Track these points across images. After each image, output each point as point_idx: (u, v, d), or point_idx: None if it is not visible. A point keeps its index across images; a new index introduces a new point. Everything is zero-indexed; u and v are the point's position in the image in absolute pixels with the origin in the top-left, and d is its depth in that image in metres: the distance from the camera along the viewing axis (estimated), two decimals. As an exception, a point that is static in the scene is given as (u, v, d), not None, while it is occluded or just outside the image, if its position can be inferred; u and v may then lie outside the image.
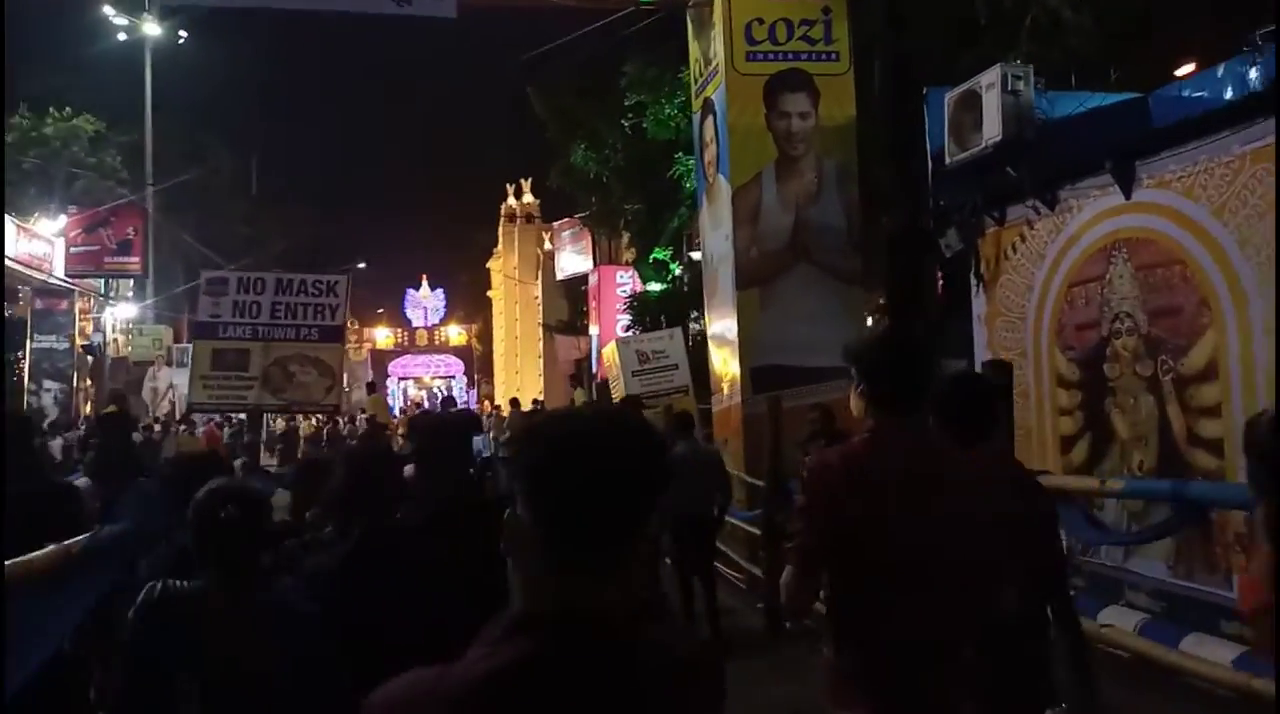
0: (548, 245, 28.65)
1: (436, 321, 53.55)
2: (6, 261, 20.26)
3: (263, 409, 7.42)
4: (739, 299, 8.76)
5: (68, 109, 30.92)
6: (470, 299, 52.69)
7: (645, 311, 17.59)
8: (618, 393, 13.10)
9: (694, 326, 15.16)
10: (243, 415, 13.03)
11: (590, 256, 24.43)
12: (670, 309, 17.18)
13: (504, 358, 38.18)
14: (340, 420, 17.72)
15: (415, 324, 54.53)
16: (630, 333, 13.38)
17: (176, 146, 36.49)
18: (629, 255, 22.98)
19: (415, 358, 53.21)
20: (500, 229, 36.98)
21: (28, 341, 21.95)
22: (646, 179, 18.64)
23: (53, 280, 22.52)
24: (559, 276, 25.43)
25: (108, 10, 29.90)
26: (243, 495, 2.41)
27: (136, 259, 20.30)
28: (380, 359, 55.15)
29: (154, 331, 26.74)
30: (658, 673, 1.12)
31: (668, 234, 18.42)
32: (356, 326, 55.36)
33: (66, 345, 23.33)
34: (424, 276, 52.92)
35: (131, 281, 23.16)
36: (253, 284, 7.31)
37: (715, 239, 9.37)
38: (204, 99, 38.57)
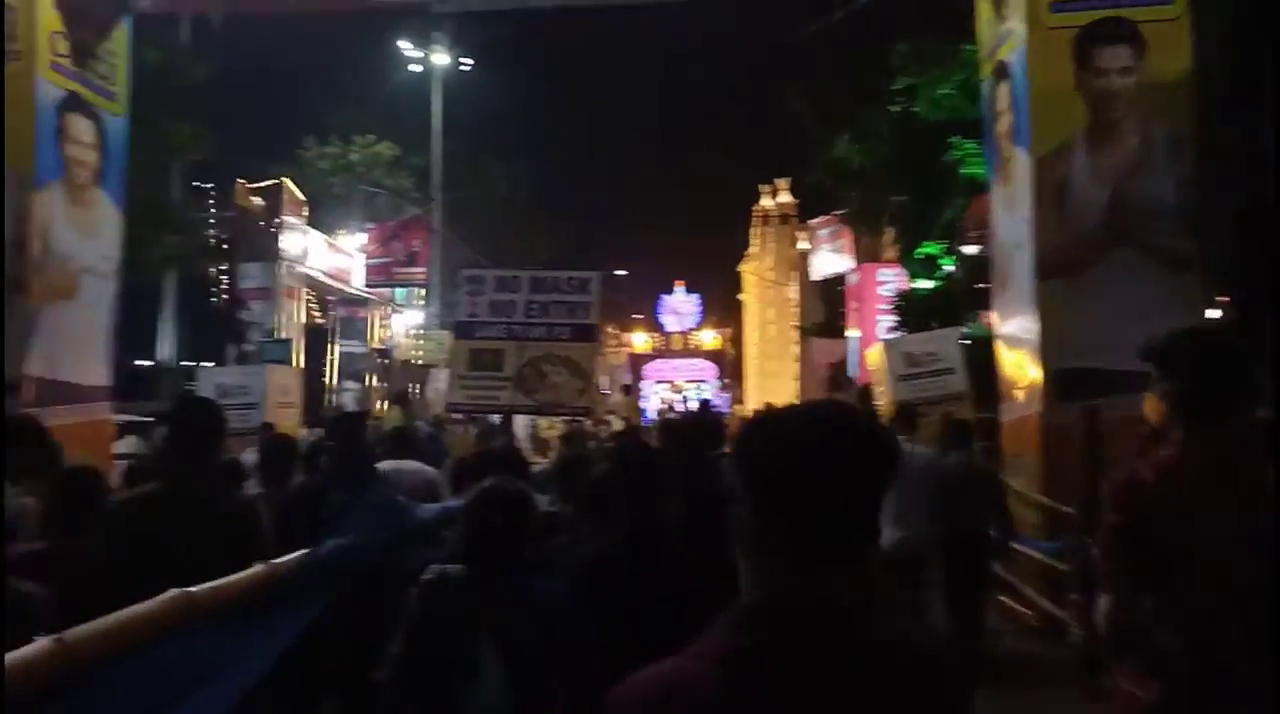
0: (803, 245, 27.64)
1: (691, 326, 54.22)
2: (319, 274, 22.49)
3: (515, 410, 7.07)
4: (1040, 291, 7.47)
5: (370, 137, 34.53)
6: (723, 303, 52.79)
7: (912, 311, 16.22)
8: (884, 399, 12.01)
9: (966, 327, 13.71)
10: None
11: (850, 255, 23.19)
12: (941, 308, 15.70)
13: (756, 362, 37.59)
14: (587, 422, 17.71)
15: (669, 328, 55.55)
16: (897, 334, 12.22)
17: (459, 165, 39.71)
18: (891, 253, 21.58)
19: (669, 362, 54.13)
20: (753, 230, 36.43)
21: (334, 347, 24.37)
22: (915, 169, 17.24)
23: (351, 290, 24.83)
24: (814, 277, 24.37)
25: (402, 44, 32.87)
26: (509, 496, 2.61)
27: (422, 270, 21.88)
28: (638, 363, 56.77)
29: (439, 336, 29.09)
30: (895, 669, 1.09)
31: (938, 227, 16.91)
32: (616, 331, 57.51)
33: (364, 350, 25.72)
34: (679, 282, 53.61)
35: (423, 291, 25.06)
36: (509, 283, 7.20)
37: (1010, 223, 8.08)
38: (484, 120, 41.47)
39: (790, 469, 1.11)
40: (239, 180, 22.07)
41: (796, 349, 29.72)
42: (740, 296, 41.44)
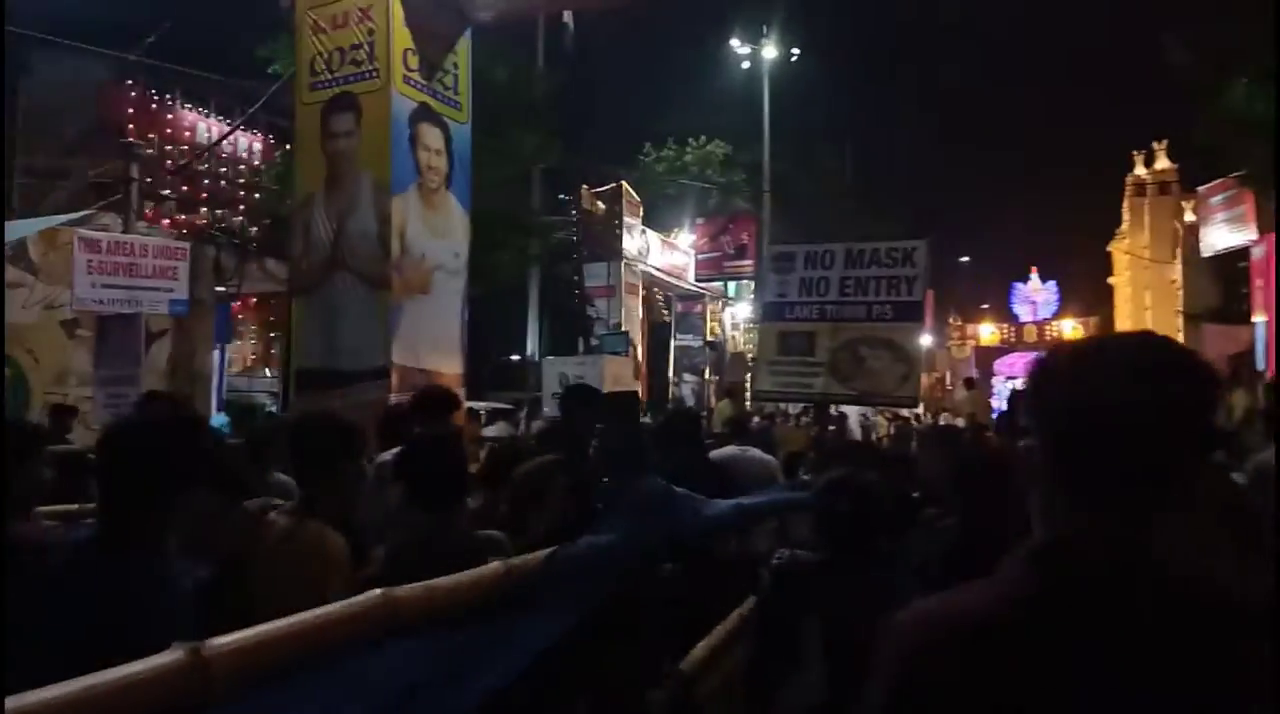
0: (1189, 217, 23.63)
1: (1048, 316, 49.76)
2: (656, 272, 23.39)
3: (830, 399, 6.24)
4: None
5: (703, 138, 35.59)
6: (1088, 289, 47.55)
7: None
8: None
9: None
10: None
11: (1252, 225, 19.35)
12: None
13: (1130, 355, 32.94)
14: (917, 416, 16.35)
15: (1023, 319, 51.39)
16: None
17: (789, 157, 39.64)
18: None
19: (1024, 356, 50.26)
20: (1125, 204, 31.87)
21: (672, 341, 25.23)
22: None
23: (686, 286, 25.53)
24: (1205, 253, 20.62)
25: (734, 42, 33.51)
26: (859, 487, 2.63)
27: (749, 262, 21.83)
28: (985, 357, 52.81)
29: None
30: (1206, 627, 0.95)
31: None
32: (960, 323, 53.92)
33: (699, 343, 26.39)
34: (1033, 268, 49.48)
35: (752, 284, 25.16)
36: (821, 258, 6.37)
37: None
38: (815, 109, 41.04)
39: (1093, 408, 1.03)
40: (584, 186, 23.59)
41: (1181, 339, 25.50)
42: (1110, 280, 36.62)
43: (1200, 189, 20.91)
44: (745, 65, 34.60)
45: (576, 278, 23.57)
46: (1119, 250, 34.11)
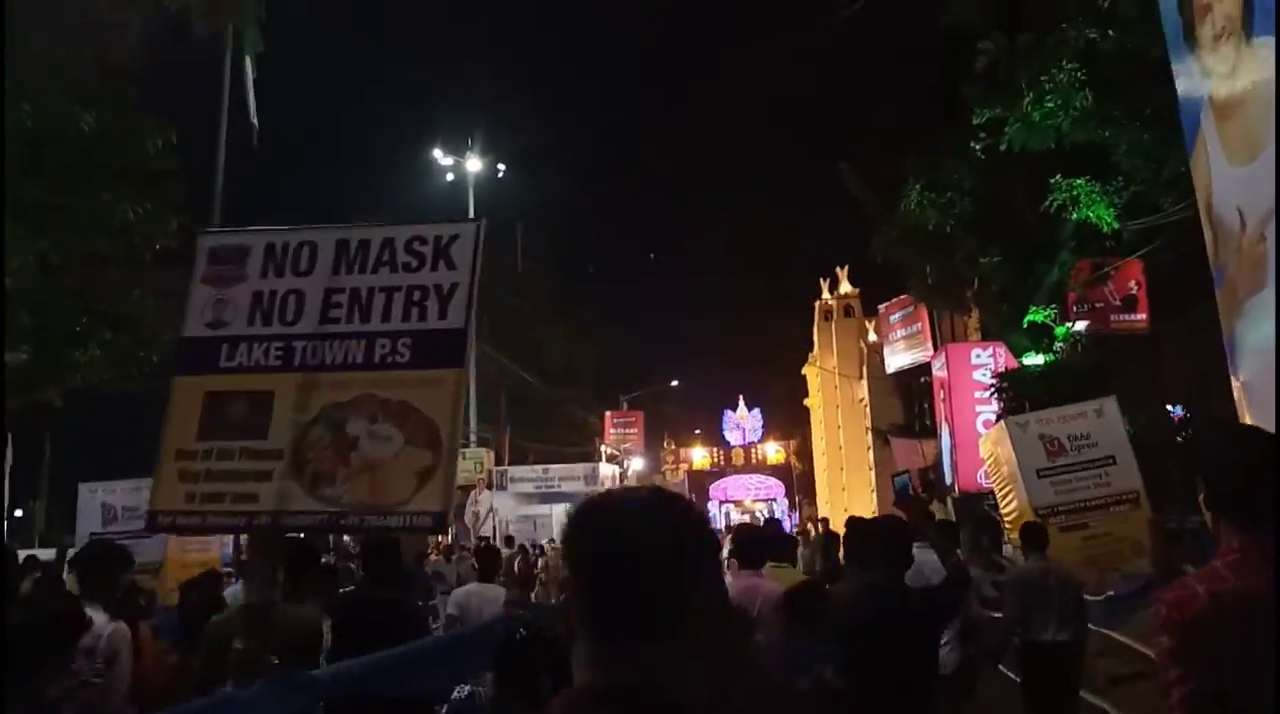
0: (871, 336, 24.36)
1: (755, 440, 51.78)
2: None
3: (285, 527, 3.08)
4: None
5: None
6: (787, 413, 49.81)
7: (1022, 395, 12.75)
8: (1014, 504, 8.52)
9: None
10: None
11: (928, 340, 19.84)
12: (1059, 389, 12.24)
13: (827, 473, 33.63)
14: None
15: (733, 444, 52.85)
16: (1027, 416, 8.77)
17: (499, 271, 38.00)
18: (977, 337, 18.29)
19: (735, 480, 51.68)
20: (816, 328, 33.26)
21: None
22: (1006, 222, 14.13)
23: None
24: (890, 370, 20.99)
25: (436, 153, 31.84)
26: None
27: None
28: (698, 481, 53.24)
29: (475, 455, 26.56)
30: None
31: (1045, 289, 13.61)
32: (674, 447, 54.26)
33: None
34: (740, 396, 51.56)
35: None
36: (294, 254, 3.40)
37: (1246, 189, 4.73)
38: (524, 227, 40.29)
39: (585, 554, 1.19)
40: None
41: (872, 456, 25.96)
42: (806, 402, 37.87)
43: (880, 308, 21.42)
44: (449, 178, 32.89)
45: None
46: (812, 373, 35.39)
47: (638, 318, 63.80)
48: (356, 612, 3.91)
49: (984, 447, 10.45)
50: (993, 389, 13.26)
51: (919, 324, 20.15)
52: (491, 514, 25.23)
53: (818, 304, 32.75)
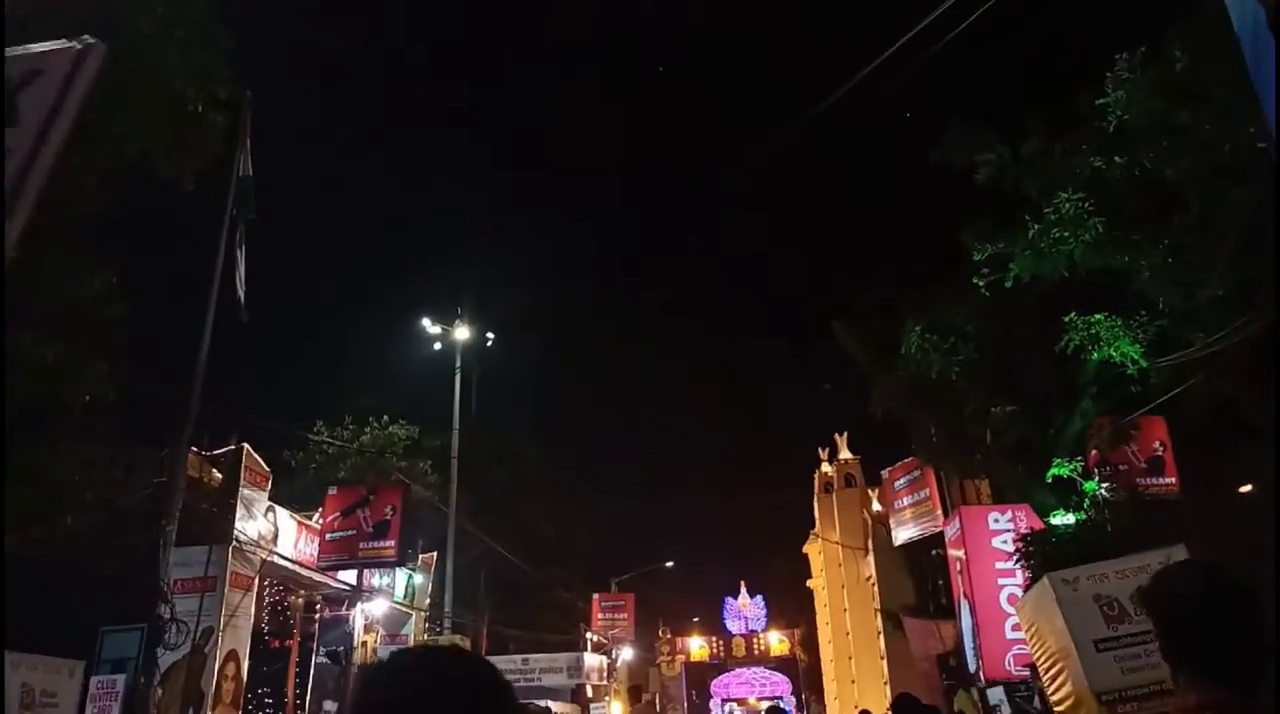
0: (876, 506, 22.52)
1: (758, 629, 48.83)
2: (288, 564, 17.99)
3: None
4: None
5: (385, 418, 31.97)
6: (791, 599, 46.90)
7: (1053, 559, 10.94)
8: (1067, 689, 6.64)
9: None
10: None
11: (937, 508, 18.09)
12: (1095, 553, 10.49)
13: (835, 664, 30.63)
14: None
15: (734, 633, 49.70)
16: (1076, 570, 6.98)
17: (484, 446, 36.59)
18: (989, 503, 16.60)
19: (738, 676, 48.09)
20: (816, 502, 31.30)
21: (313, 657, 19.22)
22: (1017, 368, 12.85)
23: (333, 583, 20.09)
24: (897, 541, 19.07)
25: (425, 322, 31.25)
26: None
27: (391, 544, 17.16)
28: (698, 674, 49.47)
29: (449, 640, 24.40)
30: None
31: (1067, 441, 12.11)
32: (669, 636, 50.63)
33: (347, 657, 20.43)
34: (742, 582, 49.04)
35: (395, 574, 20.18)
36: None
37: None
38: (512, 399, 39.21)
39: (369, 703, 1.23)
40: (193, 448, 18.41)
41: (883, 642, 23.40)
42: (809, 583, 35.27)
43: (883, 473, 19.76)
44: (437, 346, 32.03)
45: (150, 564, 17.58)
46: (814, 553, 33.11)
47: (633, 497, 61.62)
48: None
49: (1021, 614, 8.61)
50: (1018, 555, 11.46)
51: (926, 490, 18.44)
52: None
53: (817, 475, 30.99)
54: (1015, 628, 13.45)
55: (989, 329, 12.93)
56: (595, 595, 35.32)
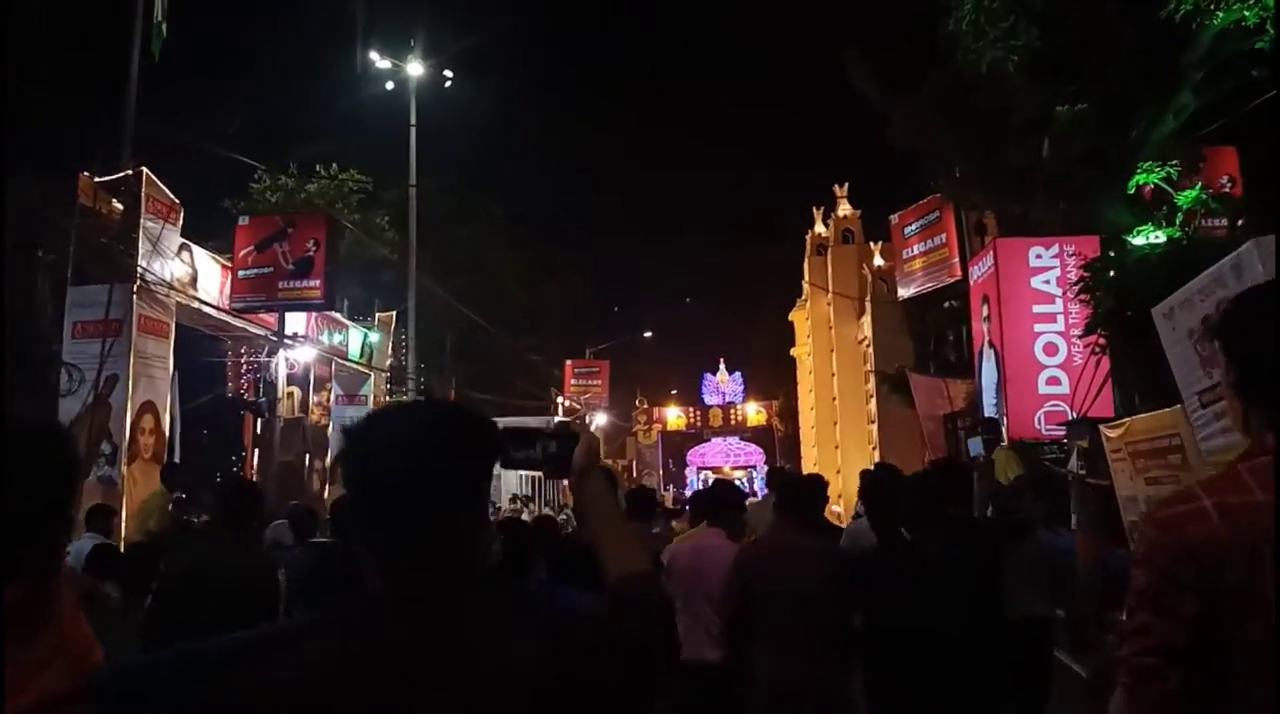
0: (878, 260, 20.08)
1: (735, 401, 48.60)
2: (213, 311, 15.44)
3: None
4: None
5: (334, 166, 28.75)
6: (771, 375, 45.90)
7: (1130, 288, 8.44)
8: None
9: None
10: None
11: (954, 255, 15.61)
12: (1182, 275, 8.02)
13: (815, 430, 29.42)
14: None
15: (711, 405, 49.43)
16: (1169, 300, 4.56)
17: (448, 203, 33.69)
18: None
19: (713, 446, 48.25)
20: (807, 265, 28.86)
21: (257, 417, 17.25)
22: (1091, 56, 9.85)
23: (254, 329, 17.69)
24: (904, 295, 16.76)
25: (373, 56, 26.95)
26: None
27: (315, 283, 14.57)
28: (675, 444, 49.52)
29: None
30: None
31: (1153, 146, 9.33)
32: (646, 406, 50.19)
33: (301, 415, 18.51)
34: (721, 359, 48.02)
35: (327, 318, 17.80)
36: None
37: None
38: (477, 153, 35.76)
39: (358, 471, 1.17)
40: (83, 173, 15.31)
41: (874, 406, 21.76)
42: (792, 352, 33.58)
43: (892, 219, 17.09)
44: (390, 85, 27.84)
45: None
46: (800, 318, 31.11)
47: (609, 264, 59.09)
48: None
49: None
50: (1080, 284, 8.97)
51: (943, 235, 15.88)
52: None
53: (809, 237, 28.34)
54: (1051, 381, 11.35)
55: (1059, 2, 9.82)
56: (568, 361, 33.65)
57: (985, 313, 12.26)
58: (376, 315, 26.13)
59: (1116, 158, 9.54)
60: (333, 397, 21.10)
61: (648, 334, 44.17)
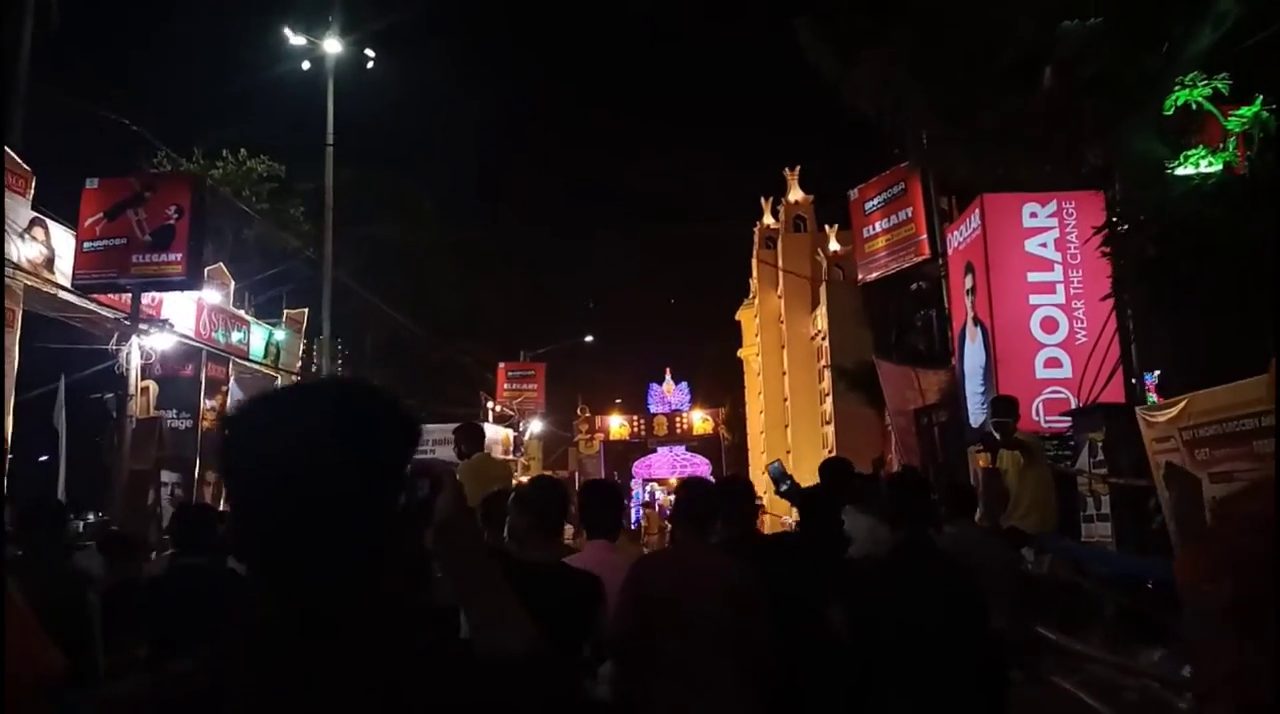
0: (833, 245, 18.27)
1: (682, 409, 47.03)
2: (74, 298, 12.85)
3: None
4: None
5: (243, 152, 26.24)
6: (718, 381, 44.25)
7: (1174, 235, 6.56)
8: None
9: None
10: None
11: (921, 231, 13.81)
12: (1245, 214, 6.12)
13: (765, 436, 27.49)
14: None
15: (655, 412, 47.70)
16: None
17: (371, 194, 31.34)
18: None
19: (659, 456, 46.61)
20: (755, 258, 27.00)
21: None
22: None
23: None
24: (866, 277, 14.90)
25: (287, 33, 24.38)
26: None
27: (177, 257, 12.13)
28: (619, 454, 47.54)
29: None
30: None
31: (1187, 62, 7.54)
32: (588, 414, 48.03)
33: (190, 422, 15.98)
34: (667, 368, 46.47)
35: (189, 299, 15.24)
36: None
37: None
38: (404, 142, 33.40)
39: (235, 467, 0.97)
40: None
41: (830, 405, 19.92)
42: (740, 353, 31.69)
43: (851, 194, 15.25)
44: (306, 65, 25.27)
45: None
46: (748, 317, 29.25)
47: (550, 265, 56.62)
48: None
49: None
50: (1109, 228, 7.09)
51: (908, 209, 14.06)
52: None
53: (757, 228, 26.50)
54: (1050, 363, 9.50)
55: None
56: (501, 364, 31.32)
57: (969, 284, 10.40)
58: (285, 312, 23.61)
59: (1139, 81, 7.75)
60: (230, 401, 18.56)
61: (589, 338, 42.04)
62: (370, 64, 25.77)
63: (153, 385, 13.70)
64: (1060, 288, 9.51)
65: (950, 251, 11.32)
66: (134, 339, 12.05)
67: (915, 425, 12.22)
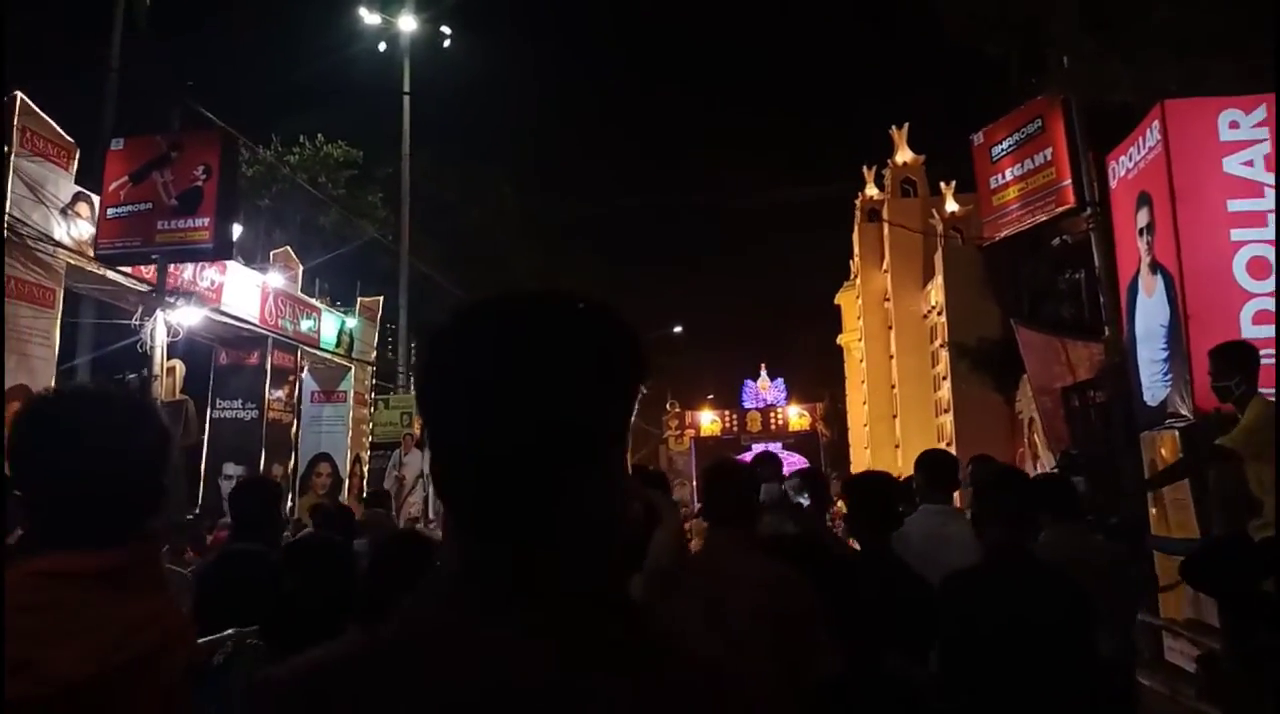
0: (950, 207, 15.96)
1: (777, 404, 45.07)
2: (125, 279, 11.90)
3: None
4: None
5: (320, 137, 25.73)
6: (814, 376, 42.11)
7: None
8: None
9: None
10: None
11: (1065, 176, 11.48)
12: None
13: (871, 429, 25.11)
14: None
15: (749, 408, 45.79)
16: None
17: (450, 180, 30.66)
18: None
19: (753, 453, 44.17)
20: (856, 235, 24.66)
21: (209, 410, 13.88)
22: None
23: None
24: (998, 235, 12.63)
25: (362, 12, 23.87)
26: None
27: (204, 222, 10.84)
28: (710, 451, 45.79)
29: (404, 402, 19.47)
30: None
31: None
32: (678, 410, 46.37)
33: (255, 413, 15.13)
34: (762, 364, 44.59)
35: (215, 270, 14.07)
36: None
37: None
38: (482, 124, 32.45)
39: (437, 400, 0.79)
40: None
41: (948, 389, 17.57)
42: (840, 339, 29.37)
43: (974, 139, 12.98)
44: (382, 46, 24.83)
45: None
46: (848, 300, 26.91)
47: (635, 253, 54.99)
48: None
49: None
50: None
51: (1048, 150, 11.70)
52: (422, 480, 18.34)
53: (859, 200, 24.14)
54: (1260, 318, 7.21)
55: None
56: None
57: (1144, 221, 8.15)
58: (359, 300, 22.61)
59: None
60: (299, 392, 17.68)
61: (678, 329, 40.26)
62: (447, 42, 24.83)
63: (179, 365, 12.55)
64: (1272, 219, 7.21)
65: (1115, 183, 9.04)
66: (159, 313, 10.87)
67: (1063, 407, 10.00)
